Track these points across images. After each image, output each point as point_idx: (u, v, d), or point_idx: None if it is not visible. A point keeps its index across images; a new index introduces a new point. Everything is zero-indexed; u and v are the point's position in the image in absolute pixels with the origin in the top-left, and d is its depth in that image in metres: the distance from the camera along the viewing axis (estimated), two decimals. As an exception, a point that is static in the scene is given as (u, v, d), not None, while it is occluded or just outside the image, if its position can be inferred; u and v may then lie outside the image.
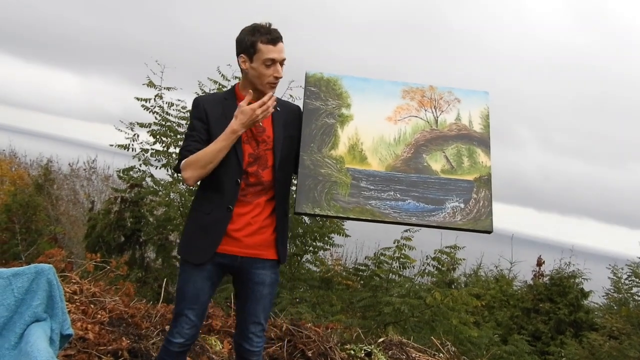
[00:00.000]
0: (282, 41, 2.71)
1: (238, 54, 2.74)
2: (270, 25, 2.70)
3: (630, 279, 9.73)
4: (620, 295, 9.81)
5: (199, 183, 2.76)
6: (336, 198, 2.68)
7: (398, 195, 2.72)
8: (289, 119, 2.84)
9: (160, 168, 7.08)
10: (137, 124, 7.03)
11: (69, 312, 3.84)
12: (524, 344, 7.70)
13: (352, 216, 2.67)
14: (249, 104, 2.61)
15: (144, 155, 7.09)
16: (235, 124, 2.60)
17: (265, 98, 2.60)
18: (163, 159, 7.01)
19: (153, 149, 7.05)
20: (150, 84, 6.94)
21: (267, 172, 2.74)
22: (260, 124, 2.75)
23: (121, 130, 7.06)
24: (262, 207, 2.74)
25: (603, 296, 10.10)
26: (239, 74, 6.84)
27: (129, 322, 4.19)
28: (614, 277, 9.96)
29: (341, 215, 2.67)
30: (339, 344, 4.55)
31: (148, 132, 6.99)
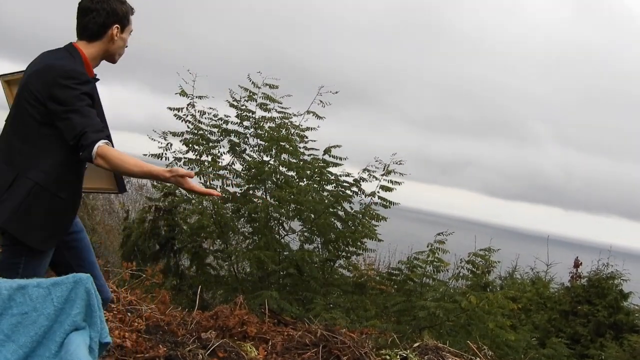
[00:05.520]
0: None
1: (111, 24, 2.68)
2: None
3: (671, 279, 9.49)
4: (662, 296, 9.57)
5: (57, 161, 2.59)
6: None
7: None
8: None
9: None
10: (170, 133, 7.14)
11: (107, 320, 3.89)
12: (562, 347, 7.55)
13: None
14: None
15: (176, 163, 7.17)
16: (165, 175, 2.46)
17: (213, 192, 2.55)
18: (196, 167, 7.09)
19: (186, 158, 7.14)
20: (183, 93, 7.03)
21: None
22: None
23: (154, 140, 7.16)
24: None
25: (643, 297, 9.85)
26: (269, 81, 6.94)
27: (165, 330, 4.23)
28: (655, 278, 9.72)
29: None
30: (374, 349, 4.53)
31: (181, 140, 7.09)
